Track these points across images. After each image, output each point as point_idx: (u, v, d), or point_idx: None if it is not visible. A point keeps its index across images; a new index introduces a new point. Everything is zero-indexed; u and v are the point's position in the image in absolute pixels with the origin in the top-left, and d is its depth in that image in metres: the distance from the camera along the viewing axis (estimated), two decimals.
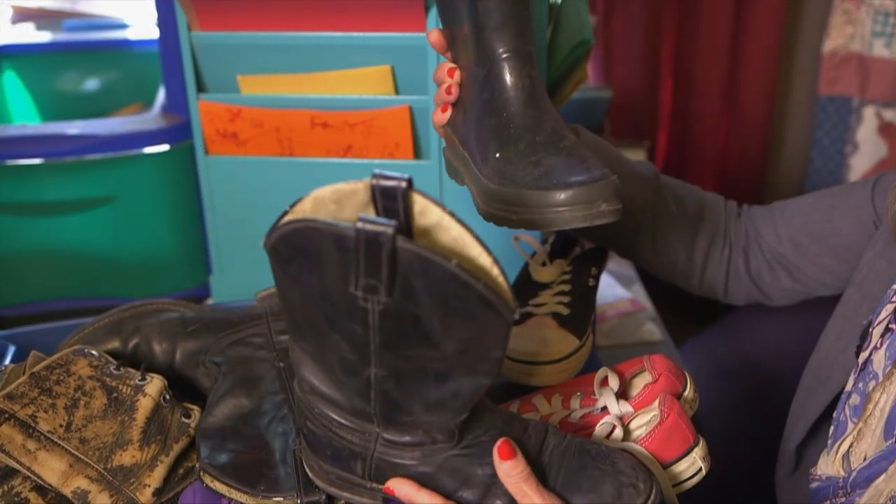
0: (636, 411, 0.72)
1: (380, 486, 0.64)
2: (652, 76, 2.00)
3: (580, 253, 0.92)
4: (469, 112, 0.74)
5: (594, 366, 0.80)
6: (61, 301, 1.26)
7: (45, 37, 1.57)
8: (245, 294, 0.97)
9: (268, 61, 0.99)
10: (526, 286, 0.90)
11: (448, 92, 0.76)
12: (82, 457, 0.69)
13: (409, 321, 0.53)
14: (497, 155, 0.70)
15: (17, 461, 0.67)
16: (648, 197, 0.88)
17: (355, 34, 0.95)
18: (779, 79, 1.97)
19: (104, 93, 1.56)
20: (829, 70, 1.92)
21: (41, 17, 1.71)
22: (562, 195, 0.65)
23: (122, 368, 0.76)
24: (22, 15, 1.72)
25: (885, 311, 0.73)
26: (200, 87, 1.03)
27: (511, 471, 0.61)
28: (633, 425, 0.72)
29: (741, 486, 1.10)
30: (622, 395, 0.74)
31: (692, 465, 0.69)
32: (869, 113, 1.92)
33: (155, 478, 0.70)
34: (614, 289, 1.45)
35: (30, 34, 1.60)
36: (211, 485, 0.69)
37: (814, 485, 0.76)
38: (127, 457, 0.70)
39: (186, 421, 0.74)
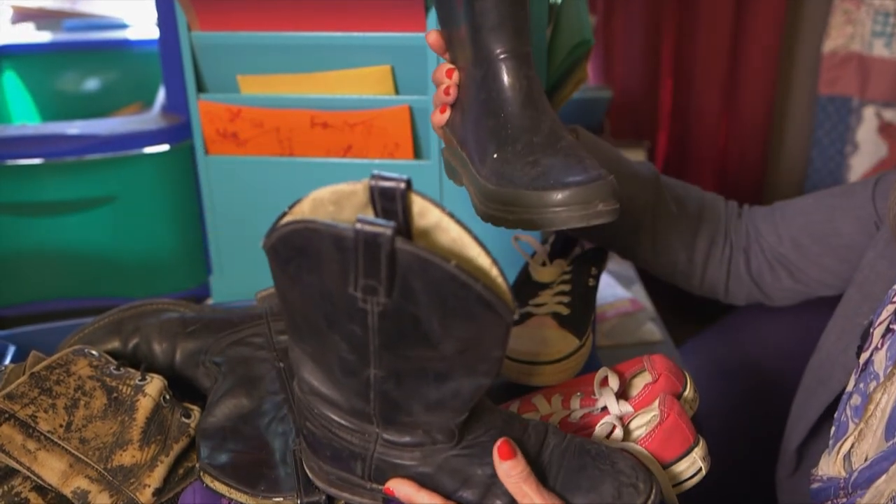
0: (636, 411, 0.72)
1: (380, 487, 0.64)
2: (652, 76, 2.00)
3: (580, 253, 0.92)
4: (467, 113, 0.74)
5: (594, 366, 0.79)
6: (61, 301, 1.26)
7: (45, 37, 1.57)
8: (245, 294, 0.97)
9: (268, 61, 0.99)
10: (526, 286, 0.90)
11: (446, 93, 0.76)
12: (82, 457, 0.69)
13: (409, 322, 0.53)
14: (495, 155, 0.70)
15: (17, 461, 0.67)
16: (648, 197, 0.88)
17: (355, 34, 0.95)
18: (779, 79, 1.97)
19: (104, 93, 1.56)
20: (829, 70, 1.92)
21: (41, 17, 1.71)
22: (559, 195, 0.65)
23: (122, 368, 0.76)
24: (22, 15, 1.72)
25: (886, 312, 0.73)
26: (200, 87, 1.03)
27: (511, 471, 0.61)
28: (633, 425, 0.71)
29: (741, 486, 1.10)
30: (622, 395, 0.74)
31: (692, 465, 0.69)
32: (869, 113, 1.92)
33: (155, 478, 0.70)
34: (614, 289, 1.45)
35: (30, 34, 1.60)
36: (211, 485, 0.69)
37: (815, 485, 0.76)
38: (127, 457, 0.70)
39: (186, 421, 0.74)
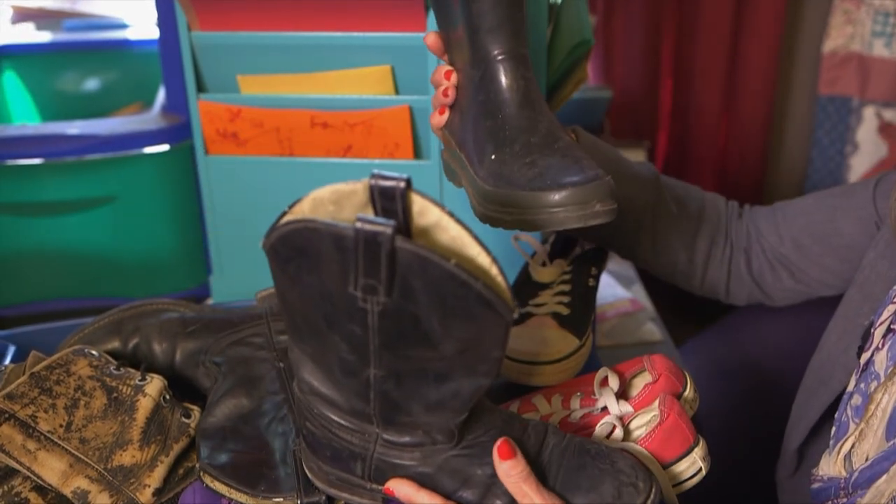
0: (636, 411, 0.72)
1: (379, 487, 0.64)
2: (652, 76, 2.00)
3: (580, 253, 0.92)
4: (465, 114, 0.74)
5: (594, 366, 0.79)
6: (61, 301, 1.26)
7: (45, 37, 1.57)
8: (245, 294, 0.97)
9: (268, 61, 0.99)
10: (526, 286, 0.90)
11: (445, 94, 0.76)
12: (82, 457, 0.69)
13: (409, 321, 0.53)
14: (493, 156, 0.70)
15: (17, 461, 0.67)
16: (648, 198, 0.88)
17: (355, 34, 0.95)
18: (779, 79, 1.97)
19: (104, 93, 1.56)
20: (829, 70, 1.92)
21: (41, 17, 1.71)
22: (556, 196, 0.65)
23: (122, 368, 0.76)
24: (22, 15, 1.72)
25: (887, 312, 0.73)
26: (200, 87, 1.03)
27: (511, 470, 0.61)
28: (633, 425, 0.71)
29: (741, 486, 1.10)
30: (622, 395, 0.74)
31: (692, 465, 0.69)
32: (869, 113, 1.92)
33: (155, 478, 0.70)
34: (614, 289, 1.45)
35: (30, 34, 1.60)
36: (211, 485, 0.69)
37: (815, 485, 0.76)
38: (127, 457, 0.70)
39: (186, 421, 0.74)
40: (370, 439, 0.62)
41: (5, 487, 0.70)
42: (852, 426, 0.73)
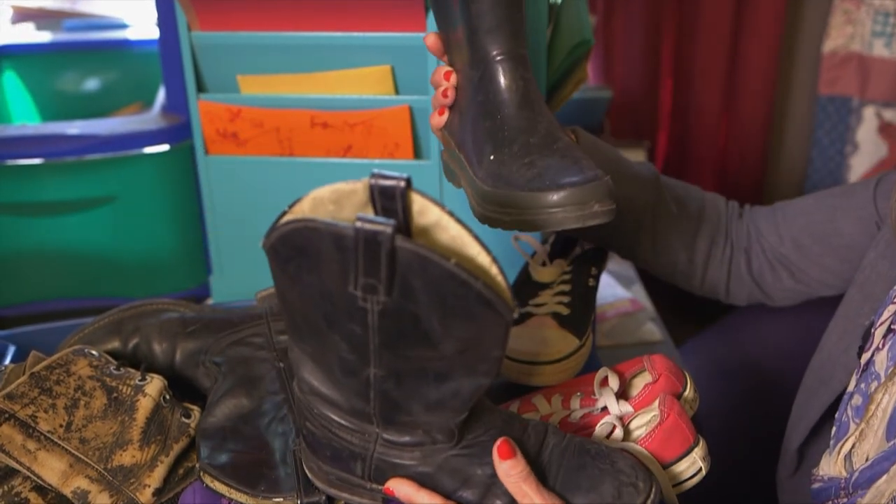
0: (636, 411, 0.72)
1: (379, 487, 0.64)
2: (652, 76, 2.00)
3: (580, 253, 0.92)
4: (465, 115, 0.74)
5: (594, 366, 0.79)
6: (61, 301, 1.26)
7: (45, 37, 1.57)
8: (245, 294, 0.97)
9: (268, 61, 0.99)
10: (526, 286, 0.90)
11: (444, 95, 0.76)
12: (82, 457, 0.69)
13: (409, 321, 0.53)
14: (491, 157, 0.70)
15: (17, 461, 0.67)
16: (648, 198, 0.88)
17: (355, 34, 0.95)
18: (779, 79, 1.97)
19: (104, 93, 1.56)
20: (829, 70, 1.92)
21: (41, 17, 1.71)
22: (554, 196, 0.65)
23: (122, 368, 0.76)
24: (22, 15, 1.72)
25: (888, 312, 0.73)
26: (200, 87, 1.03)
27: (511, 470, 0.61)
28: (633, 425, 0.71)
29: (741, 486, 1.10)
30: (622, 395, 0.74)
31: (692, 466, 0.69)
32: (869, 113, 1.92)
33: (155, 478, 0.70)
34: (614, 289, 1.45)
35: (30, 34, 1.60)
36: (211, 485, 0.69)
37: (815, 485, 0.76)
38: (127, 457, 0.70)
39: (186, 421, 0.74)
40: (370, 439, 0.62)
41: (5, 487, 0.70)
42: (853, 426, 0.73)
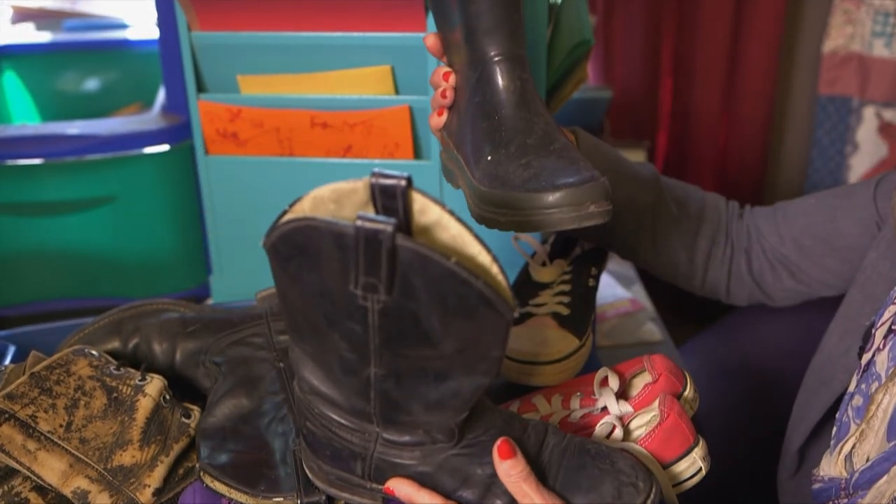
0: (636, 411, 0.72)
1: (380, 487, 0.64)
2: (652, 76, 2.00)
3: (580, 253, 0.92)
4: (463, 115, 0.74)
5: (594, 366, 0.79)
6: (61, 301, 1.26)
7: (45, 37, 1.57)
8: (245, 294, 0.97)
9: (268, 61, 0.99)
10: (526, 286, 0.90)
11: (443, 96, 0.76)
12: (82, 457, 0.69)
13: (409, 320, 0.53)
14: (489, 157, 0.70)
15: (17, 461, 0.67)
16: (648, 198, 0.88)
17: (355, 34, 0.95)
18: (779, 79, 1.98)
19: (104, 93, 1.56)
20: (829, 70, 1.92)
21: (41, 17, 1.71)
22: (550, 197, 0.65)
23: (122, 368, 0.76)
24: (22, 15, 1.72)
25: (889, 313, 0.73)
26: (200, 87, 1.03)
27: (511, 470, 0.61)
28: (633, 425, 0.71)
29: (741, 486, 1.10)
30: (622, 395, 0.74)
31: (692, 465, 0.69)
32: (869, 113, 1.92)
33: (155, 478, 0.70)
34: (614, 289, 1.45)
35: (30, 34, 1.60)
36: (211, 485, 0.68)
37: (816, 486, 0.76)
38: (127, 457, 0.70)
39: (186, 421, 0.74)
40: (370, 438, 0.62)
41: (5, 487, 0.70)
42: (853, 427, 0.73)
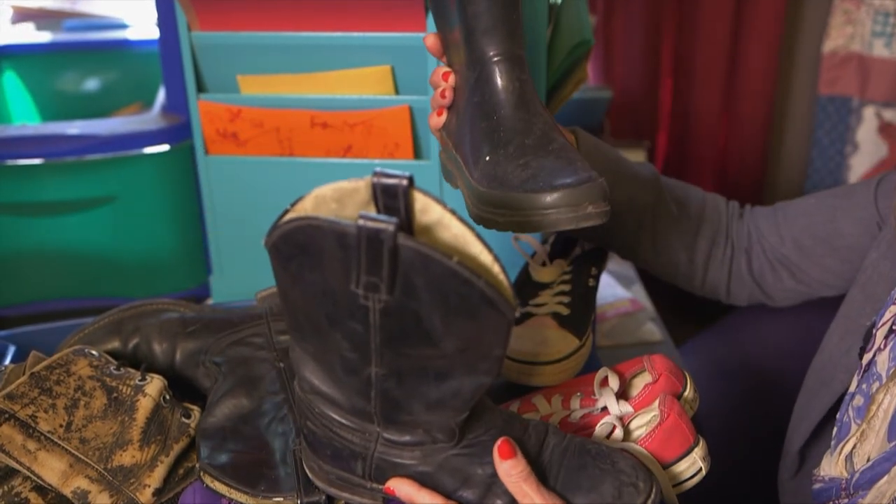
0: (636, 411, 0.72)
1: (380, 486, 0.64)
2: (652, 76, 2.01)
3: (580, 253, 0.92)
4: (462, 115, 0.74)
5: (594, 366, 0.79)
6: (61, 301, 1.26)
7: (45, 37, 1.57)
8: (245, 294, 0.97)
9: (268, 61, 0.99)
10: (526, 286, 0.90)
11: (443, 96, 0.76)
12: (82, 457, 0.69)
13: (410, 319, 0.53)
14: (487, 158, 0.70)
15: (17, 461, 0.67)
16: (648, 198, 0.88)
17: (355, 34, 0.95)
18: (779, 79, 1.98)
19: (104, 93, 1.56)
20: (829, 70, 1.92)
21: (41, 17, 1.71)
22: (548, 198, 0.65)
23: (122, 368, 0.75)
24: (22, 15, 1.72)
25: (889, 313, 0.73)
26: (200, 87, 1.03)
27: (511, 470, 0.61)
28: (633, 425, 0.71)
29: (741, 487, 1.10)
30: (622, 395, 0.74)
31: (692, 466, 0.69)
32: (869, 113, 1.92)
33: (155, 478, 0.70)
34: (614, 289, 1.45)
35: (30, 34, 1.60)
36: (211, 485, 0.68)
37: (816, 486, 0.76)
38: (127, 457, 0.70)
39: (186, 421, 0.74)
40: (371, 438, 0.62)
41: (5, 487, 0.70)
42: (854, 427, 0.73)
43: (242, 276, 1.10)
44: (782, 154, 2.07)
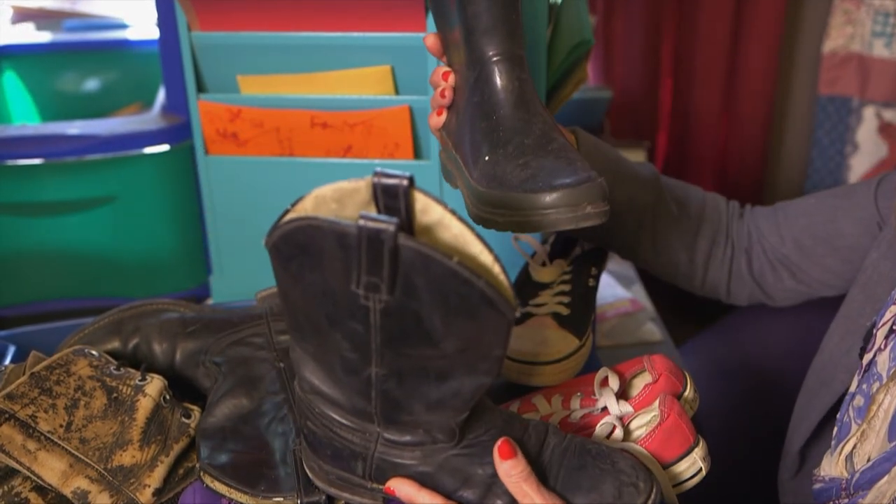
0: (636, 411, 0.72)
1: (380, 487, 0.64)
2: (652, 76, 2.00)
3: (580, 253, 0.92)
4: (462, 115, 0.74)
5: (594, 366, 0.79)
6: (61, 301, 1.26)
7: (45, 37, 1.57)
8: (245, 294, 0.97)
9: (268, 61, 0.99)
10: (526, 286, 0.90)
11: (442, 95, 0.76)
12: (82, 457, 0.69)
13: (411, 319, 0.53)
14: (487, 158, 0.70)
15: (17, 461, 0.67)
16: (648, 198, 0.88)
17: (355, 34, 0.95)
18: (779, 79, 1.98)
19: (104, 93, 1.56)
20: (829, 70, 1.92)
21: (41, 17, 1.71)
22: (547, 198, 0.65)
23: (122, 368, 0.75)
24: (22, 15, 1.72)
25: (890, 313, 0.73)
26: (200, 87, 1.03)
27: (511, 470, 0.61)
28: (633, 425, 0.71)
29: (741, 487, 1.10)
30: (622, 395, 0.74)
31: (692, 466, 0.69)
32: (869, 113, 1.92)
33: (155, 478, 0.70)
34: (614, 289, 1.45)
35: (30, 34, 1.60)
36: (211, 485, 0.68)
37: (817, 486, 0.76)
38: (127, 457, 0.70)
39: (186, 421, 0.74)
40: (371, 438, 0.62)
41: (5, 487, 0.70)
42: (854, 427, 0.73)
43: (242, 276, 1.10)
44: (782, 154, 2.07)
